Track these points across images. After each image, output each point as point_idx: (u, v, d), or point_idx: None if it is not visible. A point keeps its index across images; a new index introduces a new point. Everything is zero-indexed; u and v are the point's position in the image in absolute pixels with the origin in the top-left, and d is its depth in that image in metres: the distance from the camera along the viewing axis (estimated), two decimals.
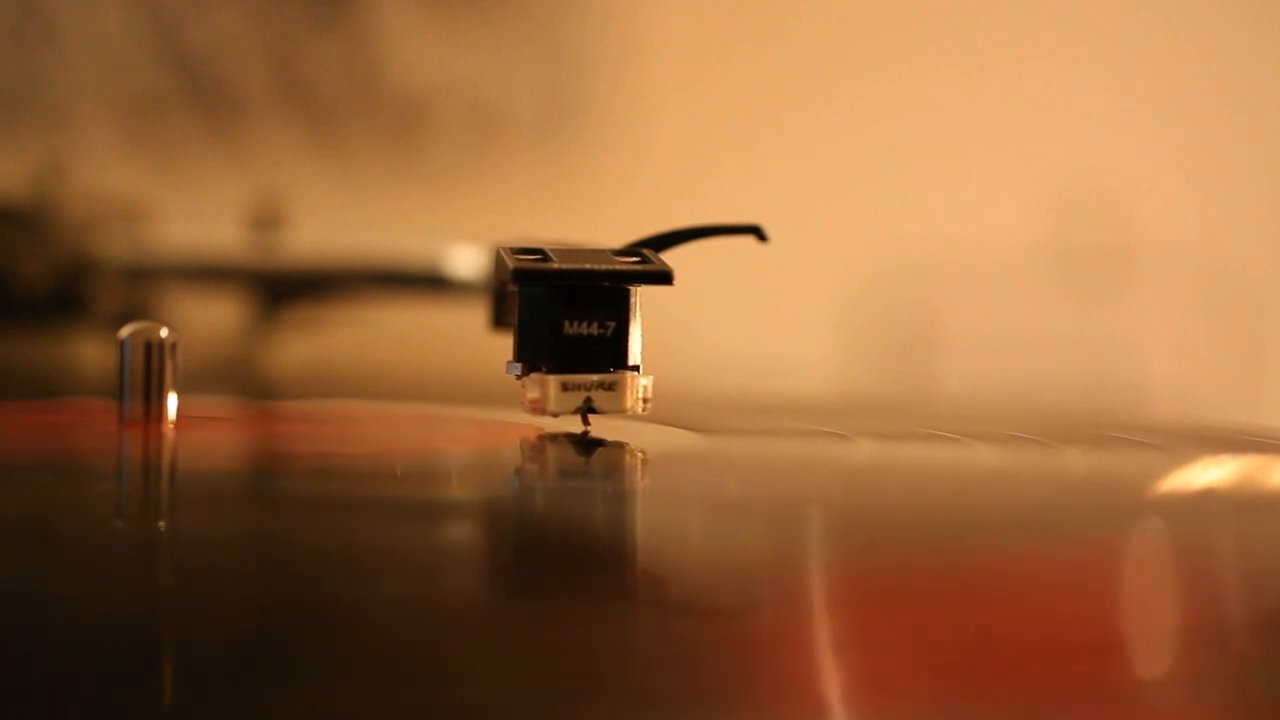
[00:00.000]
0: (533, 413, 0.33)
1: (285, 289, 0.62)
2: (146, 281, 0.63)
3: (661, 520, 0.29)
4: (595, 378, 0.33)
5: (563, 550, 0.25)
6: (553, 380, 0.33)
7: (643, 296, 0.33)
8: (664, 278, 0.33)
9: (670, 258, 0.34)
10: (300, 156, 0.97)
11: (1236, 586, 0.25)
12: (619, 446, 0.34)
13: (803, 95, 0.93)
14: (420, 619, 0.21)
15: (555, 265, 0.33)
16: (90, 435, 0.37)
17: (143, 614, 0.21)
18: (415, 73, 0.96)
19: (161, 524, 0.27)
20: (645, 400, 0.34)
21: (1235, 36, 0.90)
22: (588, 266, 0.33)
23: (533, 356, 0.33)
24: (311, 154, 0.97)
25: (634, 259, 0.33)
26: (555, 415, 0.33)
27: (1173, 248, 0.88)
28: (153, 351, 0.34)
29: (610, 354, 0.33)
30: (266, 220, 0.62)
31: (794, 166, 0.91)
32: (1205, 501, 0.32)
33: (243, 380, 0.57)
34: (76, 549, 0.25)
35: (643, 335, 0.33)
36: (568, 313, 0.33)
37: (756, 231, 0.35)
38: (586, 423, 0.34)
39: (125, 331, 0.34)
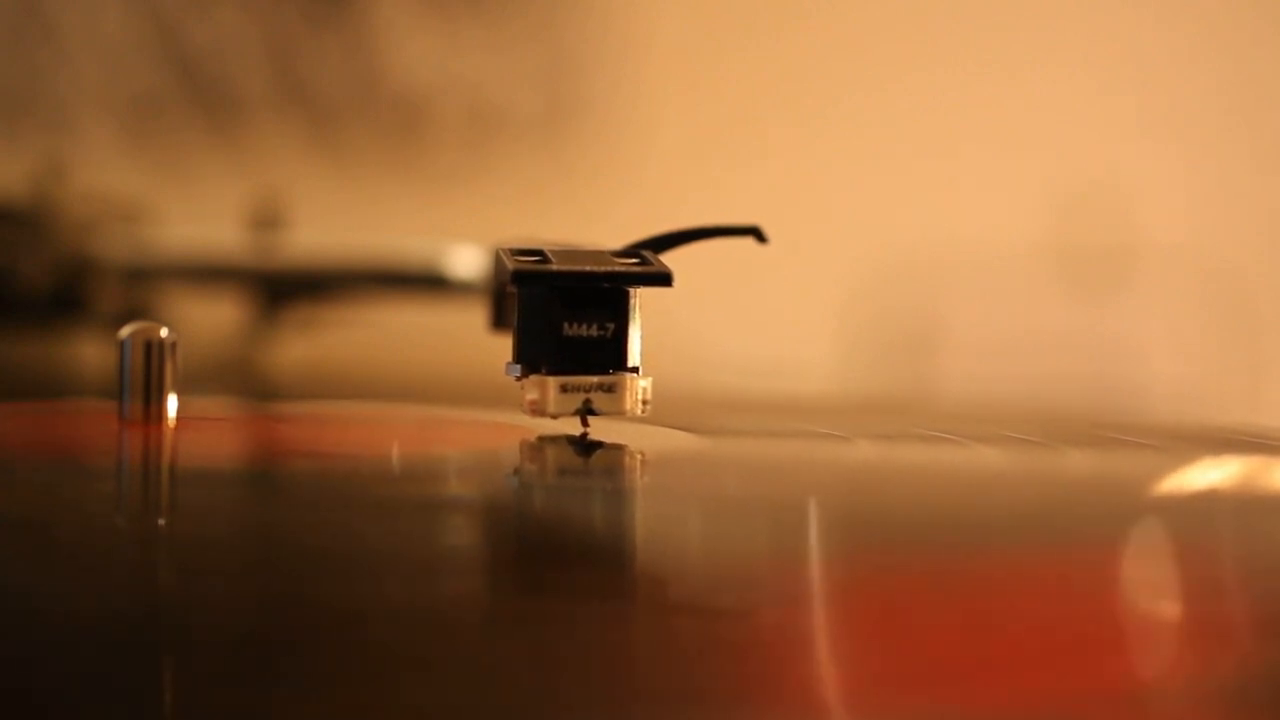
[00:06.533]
0: (532, 414, 0.33)
1: (285, 289, 0.62)
2: (146, 281, 0.63)
3: (661, 521, 0.29)
4: (595, 379, 0.33)
5: (561, 551, 0.25)
6: (552, 382, 0.33)
7: (642, 298, 0.33)
8: (663, 279, 0.33)
9: (670, 259, 0.34)
10: (300, 156, 0.97)
11: (1236, 586, 0.25)
12: (618, 448, 0.34)
13: (803, 95, 0.93)
14: (419, 618, 0.21)
15: (555, 267, 0.33)
16: (90, 435, 0.37)
17: (142, 614, 0.21)
18: (415, 73, 0.96)
19: (161, 523, 0.27)
20: (645, 402, 0.33)
21: (1235, 37, 0.90)
22: (587, 268, 0.33)
23: (532, 358, 0.33)
24: (311, 154, 0.97)
25: (633, 260, 0.33)
26: (554, 417, 0.33)
27: (1172, 248, 0.88)
28: (153, 351, 0.34)
29: (610, 355, 0.33)
30: (266, 220, 0.62)
31: (794, 167, 0.91)
32: (1205, 502, 0.32)
33: (243, 380, 0.57)
34: (76, 549, 0.25)
35: (642, 337, 0.33)
36: (567, 314, 0.33)
37: (756, 232, 0.35)
38: (586, 424, 0.34)
39: (125, 331, 0.34)
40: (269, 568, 0.24)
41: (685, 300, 0.36)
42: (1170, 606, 0.23)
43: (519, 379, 0.33)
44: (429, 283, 0.60)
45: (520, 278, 0.32)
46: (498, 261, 0.33)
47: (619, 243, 0.34)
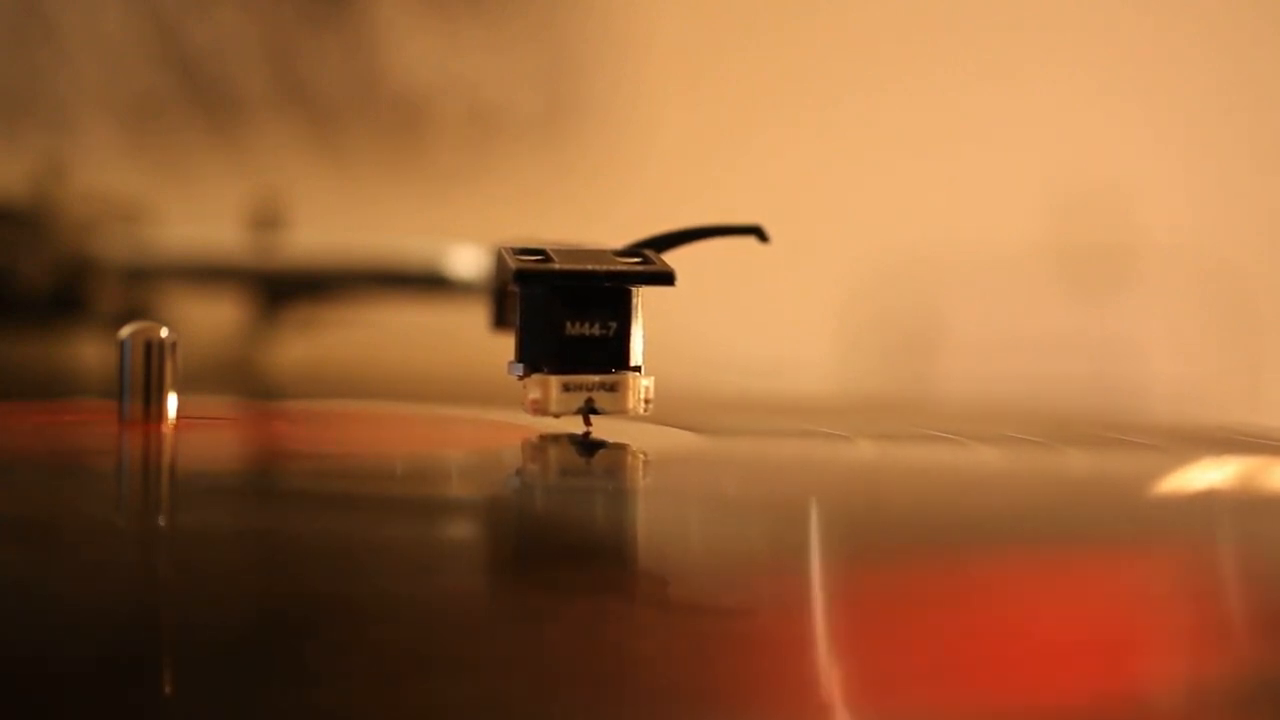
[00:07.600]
0: (534, 413, 0.33)
1: (285, 289, 0.62)
2: (146, 281, 0.63)
3: (662, 521, 0.29)
4: (597, 378, 0.33)
5: (563, 550, 0.25)
6: (554, 381, 0.33)
7: (644, 297, 0.33)
8: (665, 278, 0.33)
9: (671, 258, 0.34)
10: (300, 156, 0.97)
11: (1236, 587, 0.25)
12: (620, 447, 0.34)
13: (803, 95, 0.93)
14: (420, 618, 0.21)
15: (557, 266, 0.33)
16: (90, 435, 0.37)
17: (142, 614, 0.21)
18: (415, 73, 0.96)
19: (161, 524, 0.27)
20: (647, 401, 0.33)
21: (1235, 36, 0.90)
22: (589, 267, 0.33)
23: (534, 357, 0.33)
24: (311, 154, 0.97)
25: (635, 259, 0.33)
26: (556, 416, 0.33)
27: (1173, 248, 0.88)
28: (153, 351, 0.34)
29: (612, 354, 0.33)
30: (266, 220, 0.62)
31: (795, 166, 0.91)
32: (1205, 502, 0.32)
33: (243, 380, 0.57)
34: (76, 549, 0.25)
35: (644, 336, 0.33)
36: (569, 313, 0.33)
37: (757, 232, 0.35)
38: (588, 423, 0.34)
39: (125, 331, 0.34)
40: (269, 568, 0.24)
41: (687, 299, 0.36)
42: (1170, 606, 0.23)
43: (521, 378, 0.33)
44: (429, 283, 0.60)
45: (522, 277, 0.32)
46: (499, 260, 0.33)
47: (620, 243, 0.34)
